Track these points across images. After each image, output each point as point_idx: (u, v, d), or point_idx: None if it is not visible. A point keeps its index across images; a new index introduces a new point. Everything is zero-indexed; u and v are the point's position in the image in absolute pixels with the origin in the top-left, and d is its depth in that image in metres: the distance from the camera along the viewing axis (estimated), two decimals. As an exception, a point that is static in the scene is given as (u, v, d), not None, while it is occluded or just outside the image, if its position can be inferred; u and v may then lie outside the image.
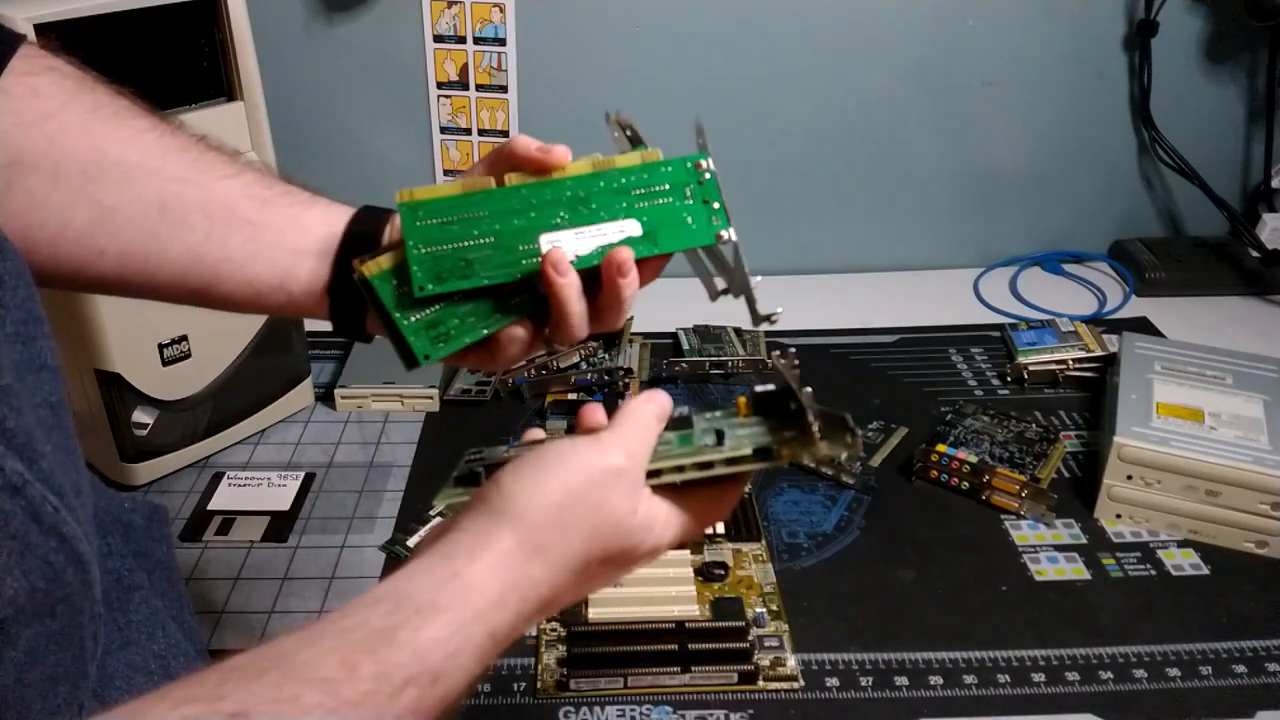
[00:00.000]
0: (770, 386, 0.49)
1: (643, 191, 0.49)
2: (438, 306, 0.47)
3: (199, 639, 0.55)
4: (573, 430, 0.48)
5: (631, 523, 0.42)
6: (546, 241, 0.47)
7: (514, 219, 0.47)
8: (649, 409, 0.45)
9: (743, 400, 0.49)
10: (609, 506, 0.42)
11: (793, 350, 0.49)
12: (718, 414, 0.49)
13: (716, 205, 0.49)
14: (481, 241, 0.47)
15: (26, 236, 0.46)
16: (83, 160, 0.46)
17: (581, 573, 0.42)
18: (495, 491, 0.41)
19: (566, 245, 0.47)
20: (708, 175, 0.50)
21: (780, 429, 0.46)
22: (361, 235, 0.49)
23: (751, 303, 0.50)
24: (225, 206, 0.48)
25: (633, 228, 0.48)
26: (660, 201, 0.49)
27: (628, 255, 0.46)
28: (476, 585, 0.39)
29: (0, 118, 0.46)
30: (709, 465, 0.44)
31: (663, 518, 0.44)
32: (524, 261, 0.47)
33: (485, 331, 0.47)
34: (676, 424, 0.47)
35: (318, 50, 1.07)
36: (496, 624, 0.39)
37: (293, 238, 0.49)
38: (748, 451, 0.44)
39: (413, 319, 0.46)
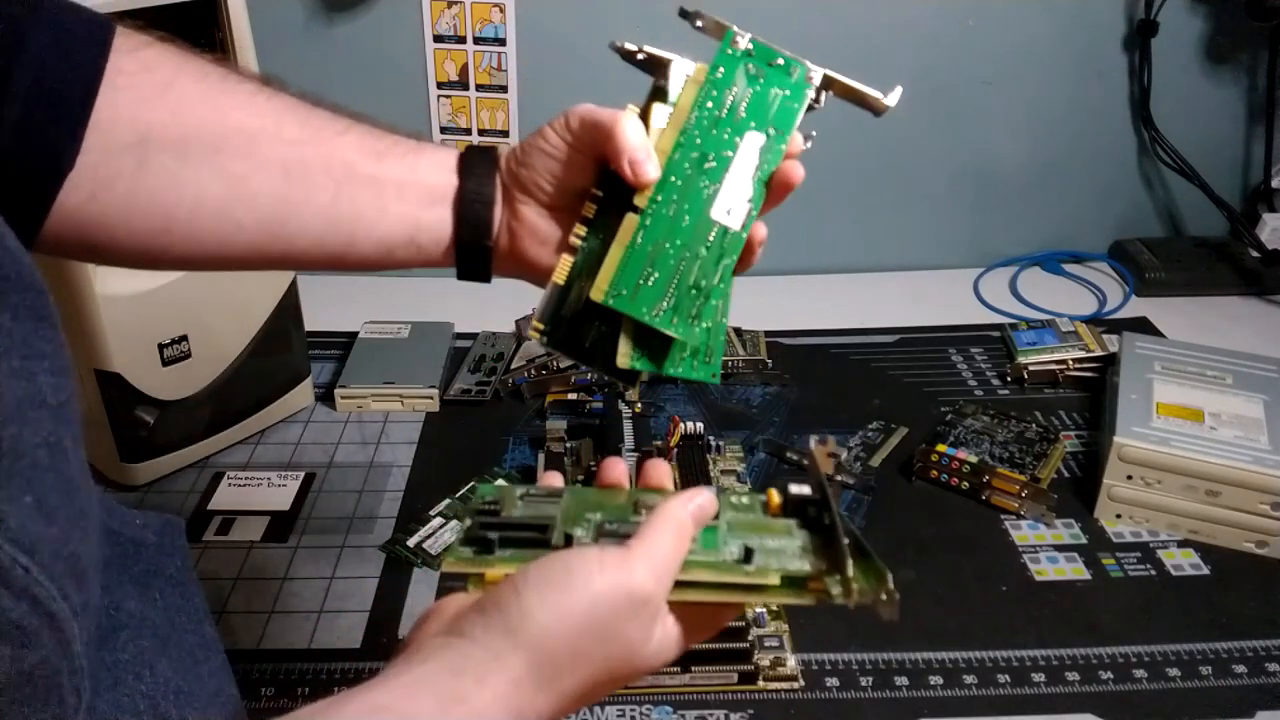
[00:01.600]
0: (806, 490, 0.45)
1: None
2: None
3: (214, 654, 0.53)
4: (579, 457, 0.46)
5: (644, 651, 0.40)
6: None
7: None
8: (685, 518, 0.42)
9: (774, 495, 0.46)
10: (625, 637, 0.40)
11: (831, 439, 0.46)
12: (744, 499, 0.46)
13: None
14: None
15: (168, 217, 0.47)
16: (207, 131, 0.46)
17: (583, 695, 0.40)
18: (515, 604, 0.39)
19: None
20: None
21: (813, 551, 0.43)
22: (475, 176, 0.52)
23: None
24: (345, 164, 0.49)
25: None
26: None
27: None
28: (483, 716, 0.37)
29: (121, 95, 0.45)
30: (730, 587, 0.41)
31: (671, 638, 0.42)
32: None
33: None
34: None
35: (318, 50, 1.07)
36: None
37: (414, 190, 0.51)
38: (775, 582, 0.41)
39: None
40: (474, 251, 0.52)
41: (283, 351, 0.88)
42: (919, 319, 1.06)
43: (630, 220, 0.48)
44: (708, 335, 0.50)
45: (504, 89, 1.09)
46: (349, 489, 0.82)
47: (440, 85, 1.09)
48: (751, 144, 0.49)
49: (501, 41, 1.06)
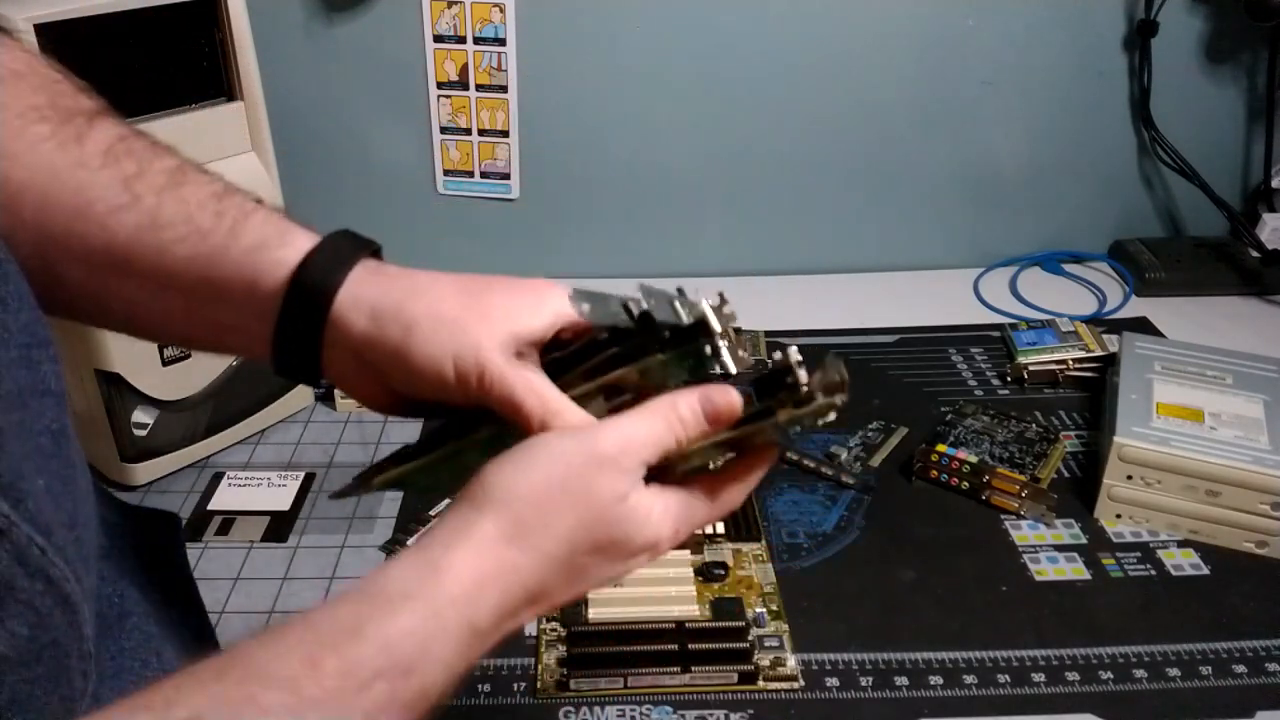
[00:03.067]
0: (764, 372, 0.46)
1: None
2: None
3: (211, 651, 0.54)
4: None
5: (619, 510, 0.40)
6: None
7: None
8: (681, 402, 0.42)
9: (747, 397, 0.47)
10: (594, 492, 0.39)
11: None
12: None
13: None
14: None
15: None
16: None
17: (569, 563, 0.40)
18: (477, 483, 0.40)
19: None
20: None
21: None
22: (305, 308, 0.43)
23: None
24: (109, 253, 0.42)
25: None
26: None
27: None
28: (451, 572, 0.37)
29: None
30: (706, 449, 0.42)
31: (660, 507, 0.42)
32: None
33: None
34: None
35: (318, 50, 1.07)
36: (475, 613, 0.37)
37: (202, 299, 0.43)
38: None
39: None
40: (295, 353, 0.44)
41: (283, 351, 0.88)
42: (919, 319, 1.06)
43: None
44: None
45: (504, 89, 1.09)
46: (349, 489, 0.82)
47: (440, 85, 1.09)
48: None
49: (501, 41, 1.06)
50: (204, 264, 0.43)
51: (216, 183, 0.44)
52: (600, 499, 0.40)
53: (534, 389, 0.42)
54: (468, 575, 0.37)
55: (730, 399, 0.43)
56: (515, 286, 0.45)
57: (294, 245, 0.43)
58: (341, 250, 0.44)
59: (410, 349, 0.42)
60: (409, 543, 0.76)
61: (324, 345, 0.44)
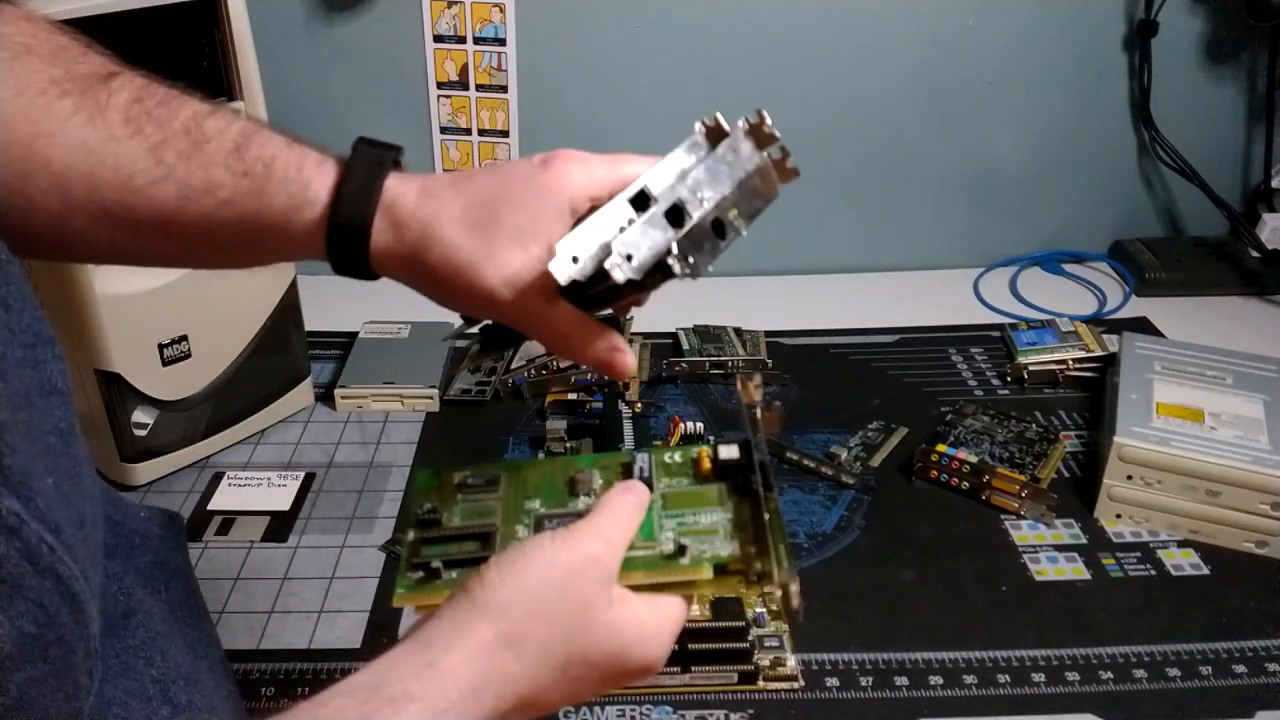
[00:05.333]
0: (735, 452, 0.48)
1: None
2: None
3: (213, 649, 0.54)
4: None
5: (609, 617, 0.41)
6: None
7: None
8: (629, 500, 0.45)
9: (704, 457, 0.49)
10: (587, 598, 0.41)
11: (757, 377, 0.50)
12: (677, 456, 0.49)
13: None
14: None
15: None
16: (14, 159, 0.43)
17: (564, 673, 0.41)
18: (477, 581, 0.41)
19: None
20: None
21: (739, 526, 0.46)
22: (346, 243, 0.45)
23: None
24: (162, 222, 0.45)
25: None
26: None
27: None
28: (451, 676, 0.38)
29: None
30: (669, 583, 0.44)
31: (653, 623, 0.43)
32: None
33: None
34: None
35: (318, 50, 1.07)
36: (471, 717, 0.38)
37: (258, 247, 0.46)
38: (707, 575, 0.44)
39: None
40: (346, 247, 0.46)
41: (283, 351, 0.88)
42: (919, 319, 1.06)
43: None
44: None
45: (504, 89, 1.09)
46: (349, 489, 0.82)
47: (440, 85, 1.09)
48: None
49: (501, 41, 1.06)
50: (250, 225, 0.45)
51: (228, 129, 0.45)
52: (592, 605, 0.41)
53: (552, 325, 0.45)
54: (465, 681, 0.38)
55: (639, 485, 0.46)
56: (521, 208, 0.45)
57: (318, 182, 0.45)
58: (364, 173, 0.45)
59: (434, 277, 0.45)
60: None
61: (372, 265, 0.46)
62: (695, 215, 0.43)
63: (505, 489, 0.48)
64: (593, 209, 0.45)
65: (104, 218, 0.44)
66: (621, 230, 0.42)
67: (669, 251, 0.41)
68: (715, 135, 0.46)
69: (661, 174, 0.45)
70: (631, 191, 0.44)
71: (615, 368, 0.46)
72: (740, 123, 0.45)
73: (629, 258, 0.41)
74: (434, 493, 0.48)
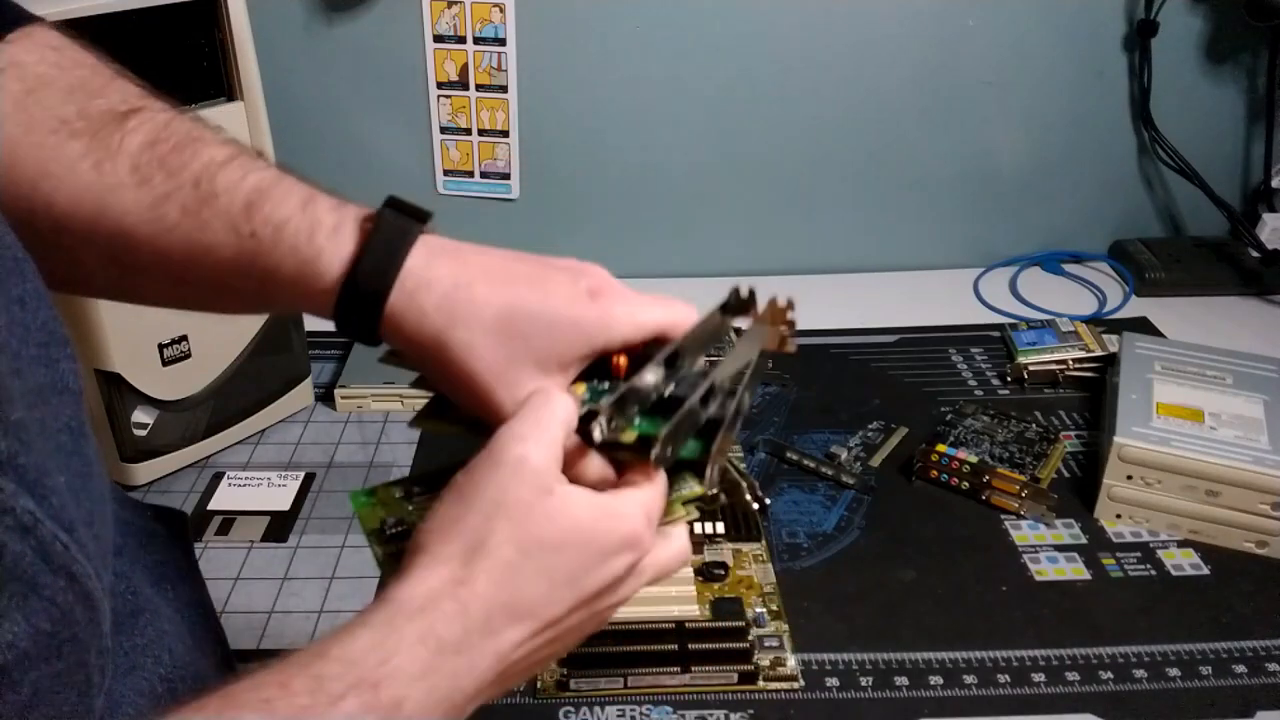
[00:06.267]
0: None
1: None
2: None
3: (220, 647, 0.54)
4: None
5: (550, 504, 0.39)
6: None
7: None
8: (541, 397, 0.42)
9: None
10: (508, 491, 0.39)
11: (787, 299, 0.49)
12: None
13: None
14: None
15: None
16: (19, 196, 0.42)
17: (526, 564, 0.39)
18: (415, 533, 0.40)
19: None
20: None
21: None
22: (360, 308, 0.43)
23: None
24: (168, 270, 0.43)
25: None
26: None
27: None
28: (401, 597, 0.38)
29: None
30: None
31: (609, 497, 0.41)
32: None
33: None
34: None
35: (318, 50, 1.07)
36: (433, 624, 0.37)
37: (267, 302, 0.45)
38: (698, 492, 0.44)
39: None
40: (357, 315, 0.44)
41: (283, 351, 0.88)
42: (919, 319, 1.06)
43: None
44: None
45: (504, 89, 1.09)
46: (349, 489, 0.82)
47: (440, 85, 1.09)
48: None
49: (501, 41, 1.06)
50: (257, 285, 0.43)
51: (242, 183, 0.44)
52: (522, 499, 0.39)
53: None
54: (419, 593, 0.38)
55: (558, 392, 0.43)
56: (556, 338, 0.43)
57: (329, 269, 0.43)
58: (388, 242, 0.43)
59: (442, 377, 0.44)
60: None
61: (381, 336, 0.45)
62: (697, 406, 0.43)
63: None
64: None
65: (110, 262, 0.44)
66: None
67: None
68: (740, 306, 0.48)
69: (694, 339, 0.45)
70: (667, 353, 0.44)
71: None
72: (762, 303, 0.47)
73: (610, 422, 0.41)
74: (380, 509, 0.46)
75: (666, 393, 0.44)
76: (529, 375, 0.43)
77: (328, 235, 0.43)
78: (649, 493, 0.42)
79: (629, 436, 0.43)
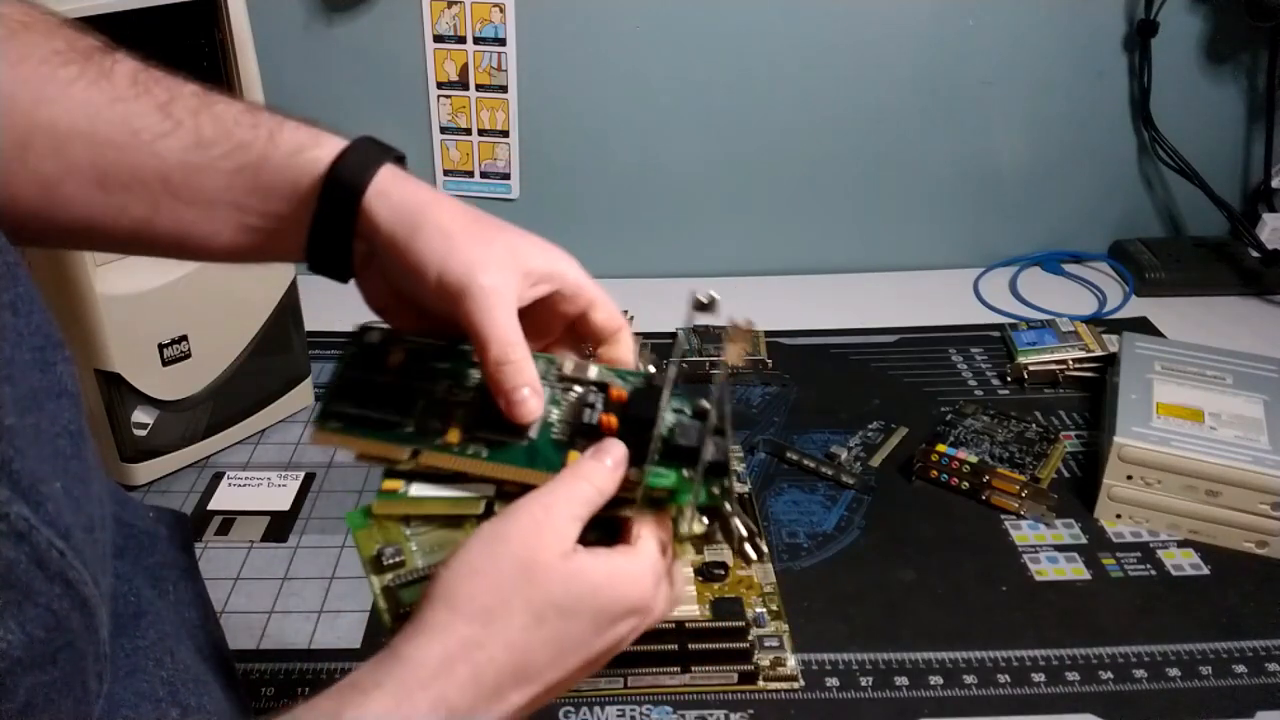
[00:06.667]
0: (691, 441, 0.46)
1: None
2: None
3: (221, 650, 0.53)
4: None
5: (568, 567, 0.41)
6: None
7: None
8: (583, 460, 0.44)
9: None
10: (532, 555, 0.40)
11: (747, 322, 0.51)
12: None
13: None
14: None
15: None
16: (14, 127, 0.42)
17: (539, 629, 0.40)
18: (433, 584, 0.41)
19: None
20: None
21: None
22: (339, 200, 0.44)
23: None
24: (162, 179, 0.44)
25: None
26: None
27: None
28: (415, 659, 0.38)
29: None
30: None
31: (623, 560, 0.42)
32: None
33: None
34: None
35: (318, 50, 1.07)
36: (447, 691, 0.38)
37: (250, 209, 0.45)
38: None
39: None
40: (329, 248, 0.46)
41: (283, 351, 0.88)
42: (919, 319, 1.06)
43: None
44: None
45: (504, 89, 1.09)
46: (349, 489, 0.82)
47: (440, 85, 1.09)
48: None
49: (501, 41, 1.06)
50: (251, 174, 0.45)
51: (233, 100, 0.46)
52: (544, 562, 0.40)
53: (502, 325, 0.43)
54: (432, 659, 0.38)
55: (618, 445, 0.44)
56: (529, 236, 0.46)
57: (328, 145, 0.45)
58: (372, 152, 0.45)
59: (409, 249, 0.44)
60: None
61: (354, 238, 0.45)
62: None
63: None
64: None
65: (98, 180, 0.44)
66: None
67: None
68: (701, 307, 0.49)
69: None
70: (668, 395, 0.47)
71: (511, 404, 0.44)
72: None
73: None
74: (378, 531, 0.46)
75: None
76: (495, 265, 0.44)
77: (321, 135, 0.45)
78: (657, 551, 0.44)
79: (697, 528, 0.45)
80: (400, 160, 0.47)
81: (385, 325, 0.49)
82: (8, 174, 0.42)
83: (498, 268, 0.44)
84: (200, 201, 0.45)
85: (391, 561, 0.44)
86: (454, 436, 0.45)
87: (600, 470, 0.43)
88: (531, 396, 0.44)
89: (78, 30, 0.45)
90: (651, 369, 0.49)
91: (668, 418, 0.46)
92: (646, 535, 0.44)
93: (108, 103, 0.43)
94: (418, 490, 0.45)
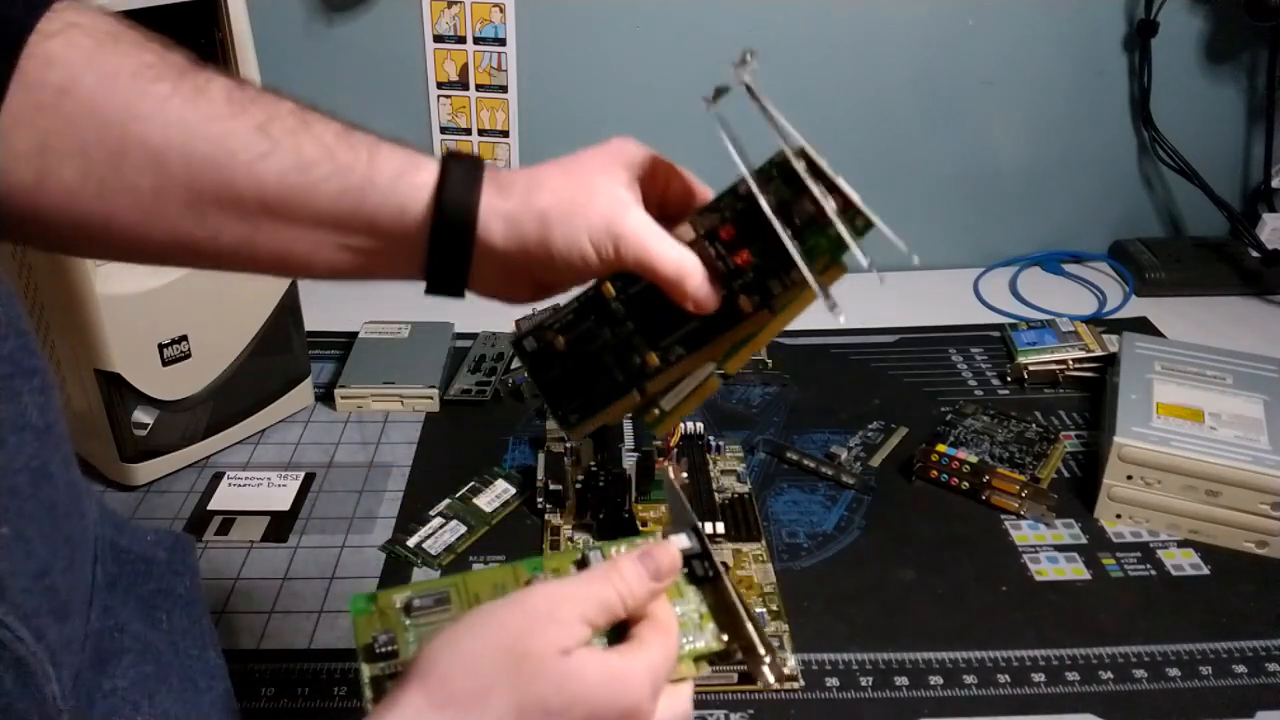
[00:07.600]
0: (686, 542, 0.46)
1: None
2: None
3: (217, 681, 0.51)
4: None
5: (563, 666, 0.38)
6: None
7: None
8: (622, 560, 0.43)
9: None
10: (531, 650, 0.38)
11: (678, 464, 0.52)
12: (624, 549, 0.47)
13: None
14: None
15: (79, 227, 0.43)
16: (106, 141, 0.41)
17: None
18: (418, 656, 0.39)
19: None
20: None
21: (710, 612, 0.46)
22: (453, 231, 0.45)
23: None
24: (260, 200, 0.43)
25: None
26: None
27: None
28: None
29: (16, 97, 0.40)
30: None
31: (621, 663, 0.40)
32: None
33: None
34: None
35: (318, 50, 1.07)
36: None
37: (354, 231, 0.45)
38: (706, 672, 0.46)
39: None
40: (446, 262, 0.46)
41: (283, 351, 0.88)
42: (919, 319, 1.06)
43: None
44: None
45: (504, 89, 1.09)
46: (349, 489, 0.82)
47: (440, 85, 1.09)
48: None
49: (501, 41, 1.06)
50: (355, 198, 0.44)
51: (335, 118, 0.46)
52: (537, 655, 0.38)
53: (659, 251, 0.46)
54: None
55: (672, 555, 0.44)
56: (597, 155, 0.50)
57: (426, 169, 0.45)
58: (467, 169, 0.46)
59: (550, 241, 0.45)
60: (411, 543, 0.75)
61: (471, 258, 0.46)
62: None
63: (456, 606, 0.46)
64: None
65: (194, 199, 0.43)
66: None
67: None
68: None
69: None
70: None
71: (700, 304, 0.46)
72: None
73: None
74: (377, 619, 0.45)
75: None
76: (616, 207, 0.46)
77: (417, 154, 0.46)
78: (659, 654, 0.41)
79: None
80: (480, 165, 0.47)
81: (526, 332, 0.51)
82: (102, 187, 0.42)
83: (620, 207, 0.46)
84: (301, 222, 0.45)
85: (384, 650, 0.43)
86: (653, 359, 0.49)
87: (638, 578, 0.42)
88: (710, 293, 0.47)
89: (166, 44, 0.45)
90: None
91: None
92: (649, 637, 0.42)
93: (204, 121, 0.43)
94: (668, 402, 0.50)
